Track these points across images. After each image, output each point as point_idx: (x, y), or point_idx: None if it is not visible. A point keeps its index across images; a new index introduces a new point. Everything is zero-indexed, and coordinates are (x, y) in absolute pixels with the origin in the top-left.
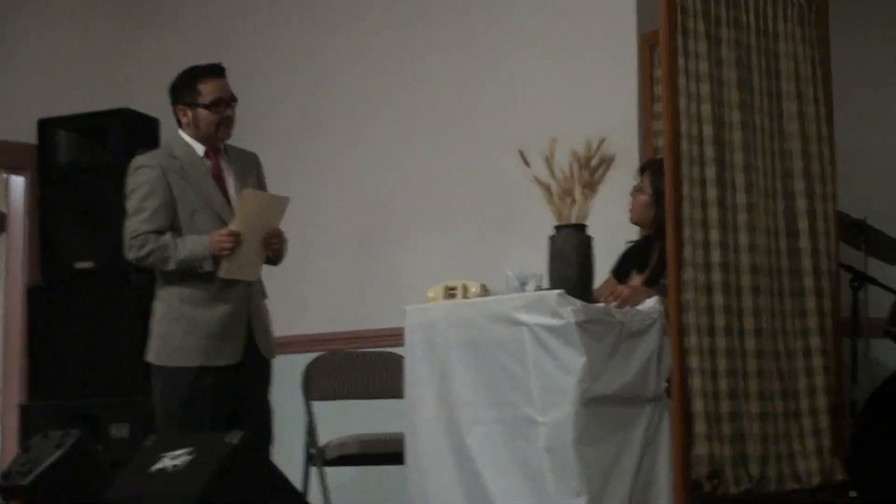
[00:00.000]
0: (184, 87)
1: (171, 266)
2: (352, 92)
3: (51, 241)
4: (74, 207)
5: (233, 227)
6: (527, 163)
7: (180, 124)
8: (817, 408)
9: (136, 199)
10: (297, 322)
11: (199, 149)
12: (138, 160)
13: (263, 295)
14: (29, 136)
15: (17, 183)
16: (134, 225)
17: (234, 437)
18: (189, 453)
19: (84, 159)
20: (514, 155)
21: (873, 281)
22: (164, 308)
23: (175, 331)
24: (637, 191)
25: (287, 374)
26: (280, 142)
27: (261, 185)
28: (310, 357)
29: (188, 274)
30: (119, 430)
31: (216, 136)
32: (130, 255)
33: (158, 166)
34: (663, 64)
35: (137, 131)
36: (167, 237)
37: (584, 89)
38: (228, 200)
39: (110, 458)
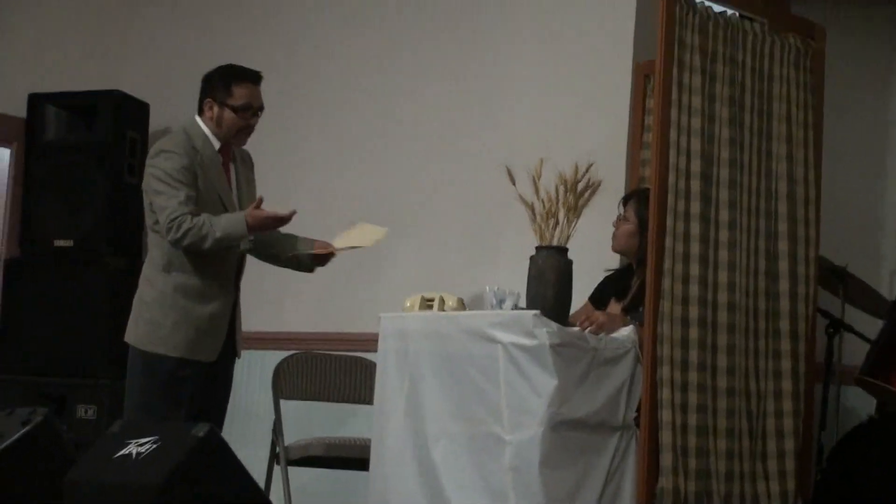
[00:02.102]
0: (219, 83)
1: (209, 244)
2: (344, 98)
3: (32, 216)
4: (58, 184)
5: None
6: (513, 181)
7: (201, 113)
8: (784, 451)
9: (169, 183)
10: (271, 319)
11: (216, 143)
12: (162, 144)
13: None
14: (18, 109)
15: (3, 155)
16: (172, 206)
17: (201, 430)
18: (154, 442)
19: (71, 137)
20: (501, 172)
21: (849, 328)
22: (157, 294)
23: (165, 318)
24: (621, 220)
25: (258, 370)
26: (266, 142)
27: (255, 184)
28: (282, 355)
29: (185, 263)
30: (86, 412)
31: (233, 140)
32: (170, 236)
33: (186, 155)
34: (657, 95)
35: (127, 114)
36: (203, 217)
37: (575, 113)
38: (232, 198)
39: (75, 440)
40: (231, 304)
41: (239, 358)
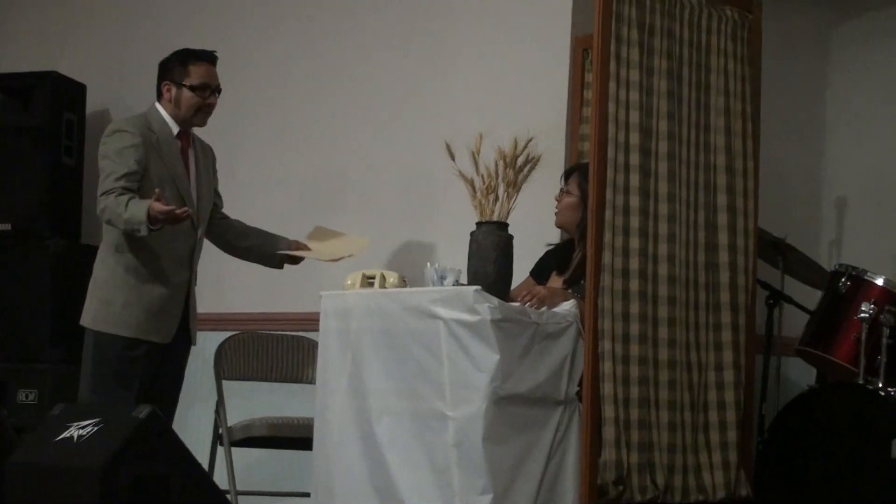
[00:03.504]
0: (175, 65)
1: (121, 225)
2: (283, 75)
3: None
4: None
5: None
6: (452, 156)
7: (160, 98)
8: (726, 422)
9: (110, 162)
10: (212, 299)
11: (174, 128)
12: (117, 124)
13: (195, 282)
14: None
15: None
16: (105, 184)
17: (142, 412)
18: (96, 424)
19: (8, 119)
20: (441, 147)
21: (789, 300)
22: (108, 274)
23: (116, 298)
24: (564, 193)
25: (199, 351)
26: (215, 120)
27: (215, 177)
28: (223, 335)
29: (136, 244)
30: (27, 396)
31: (193, 120)
32: (98, 212)
33: (139, 134)
34: (595, 69)
35: (64, 95)
36: (126, 197)
37: (514, 88)
38: (190, 183)
39: (16, 424)
40: (185, 286)
41: (194, 345)
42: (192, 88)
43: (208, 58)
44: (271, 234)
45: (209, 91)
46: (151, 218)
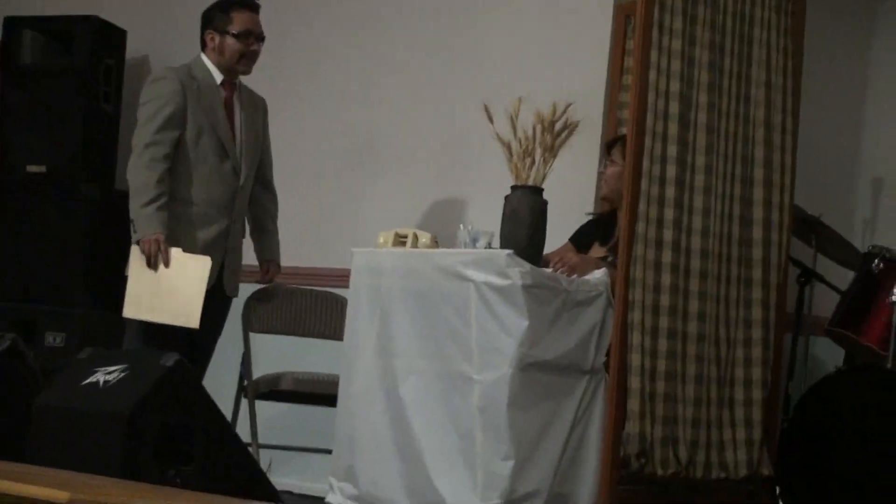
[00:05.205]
0: (217, 13)
1: (132, 211)
2: (321, 37)
3: (5, 141)
4: (33, 109)
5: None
6: (490, 119)
7: (204, 48)
8: (752, 399)
9: (151, 108)
10: (244, 251)
11: (218, 77)
12: (158, 72)
13: (243, 234)
14: None
15: None
16: (145, 134)
17: (169, 359)
18: (122, 370)
19: (48, 62)
20: (479, 109)
21: (821, 279)
22: None
23: None
24: (609, 163)
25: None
26: (257, 76)
27: (265, 129)
28: (253, 288)
29: (173, 192)
30: (55, 339)
31: (237, 67)
32: (130, 162)
33: (178, 80)
34: (637, 37)
35: (104, 40)
36: (160, 189)
37: (554, 53)
38: (233, 132)
39: (44, 367)
40: (224, 233)
41: (234, 297)
42: (235, 36)
43: (251, 5)
44: (264, 242)
45: (252, 38)
46: (144, 240)
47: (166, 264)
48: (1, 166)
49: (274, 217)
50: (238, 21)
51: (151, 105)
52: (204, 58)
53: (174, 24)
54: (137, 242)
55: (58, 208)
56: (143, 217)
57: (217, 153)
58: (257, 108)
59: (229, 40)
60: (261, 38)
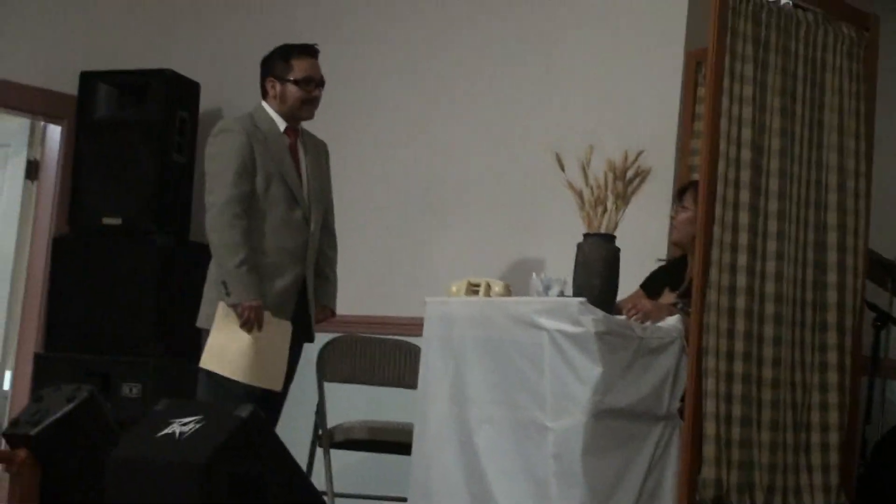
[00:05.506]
0: (277, 61)
1: (223, 273)
2: (392, 82)
3: (81, 194)
4: (108, 162)
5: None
6: (562, 167)
7: (265, 96)
8: (828, 443)
9: (221, 162)
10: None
11: (281, 124)
12: (223, 124)
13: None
14: (70, 87)
15: (55, 132)
16: (220, 190)
17: (244, 410)
18: (198, 421)
19: (122, 115)
20: (550, 157)
21: None
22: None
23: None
24: (680, 209)
25: (302, 352)
26: (323, 124)
27: (328, 173)
28: (326, 337)
29: (249, 243)
30: (130, 390)
31: (299, 114)
32: (207, 222)
33: (244, 131)
34: (708, 83)
35: (178, 93)
36: (247, 247)
37: (625, 99)
38: (300, 179)
39: (119, 417)
40: (300, 282)
41: (311, 342)
42: (296, 83)
43: (310, 51)
44: (323, 289)
45: (313, 84)
46: (242, 306)
47: (259, 329)
48: (77, 218)
49: (333, 263)
50: (298, 68)
51: (221, 159)
52: (266, 105)
53: (246, 76)
54: (234, 305)
55: (132, 259)
56: (237, 280)
57: (286, 202)
58: (320, 153)
59: (290, 87)
60: (321, 83)
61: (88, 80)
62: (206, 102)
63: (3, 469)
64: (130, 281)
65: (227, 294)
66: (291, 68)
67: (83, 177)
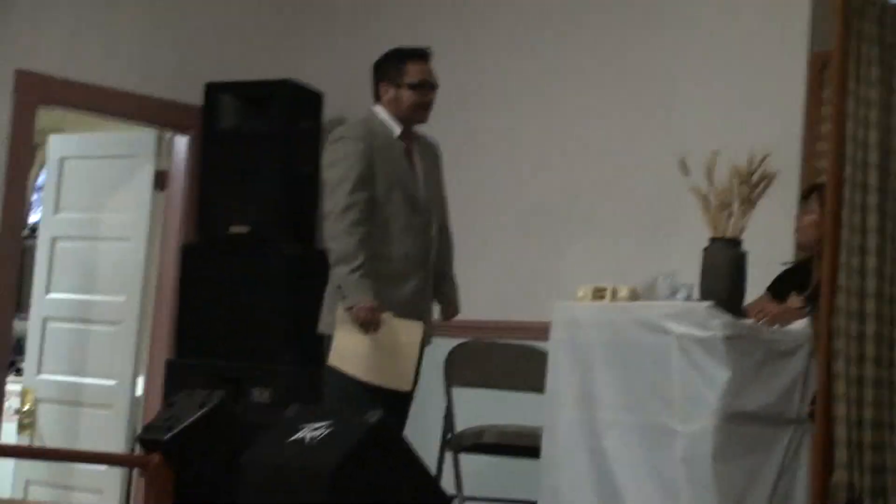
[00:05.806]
0: (391, 65)
1: (338, 278)
2: (519, 92)
3: (208, 203)
4: (234, 171)
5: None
6: (686, 172)
7: (378, 100)
8: None
9: (340, 170)
10: None
11: (396, 129)
12: (340, 131)
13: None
14: (196, 98)
15: (182, 143)
16: (339, 198)
17: (373, 416)
18: (328, 427)
19: (246, 126)
20: (674, 162)
21: None
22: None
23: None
24: (805, 212)
25: (429, 357)
26: (459, 127)
27: (441, 174)
28: (454, 342)
29: (370, 250)
30: (260, 395)
31: (414, 118)
32: (326, 231)
33: (361, 139)
34: (834, 86)
35: (300, 103)
36: (364, 254)
37: (749, 103)
38: (417, 183)
39: (250, 422)
40: (423, 286)
41: (428, 345)
42: (410, 87)
43: (423, 55)
44: (443, 287)
45: (427, 87)
46: (357, 308)
47: (376, 330)
48: (205, 227)
49: (450, 262)
50: (412, 72)
51: (340, 167)
52: (379, 109)
53: (369, 84)
54: (349, 308)
55: (260, 267)
56: (352, 284)
57: (407, 207)
58: (434, 155)
59: (405, 92)
60: (435, 86)
61: (213, 91)
62: (329, 111)
63: (139, 473)
64: (259, 288)
65: (343, 298)
66: (405, 72)
67: (210, 186)
